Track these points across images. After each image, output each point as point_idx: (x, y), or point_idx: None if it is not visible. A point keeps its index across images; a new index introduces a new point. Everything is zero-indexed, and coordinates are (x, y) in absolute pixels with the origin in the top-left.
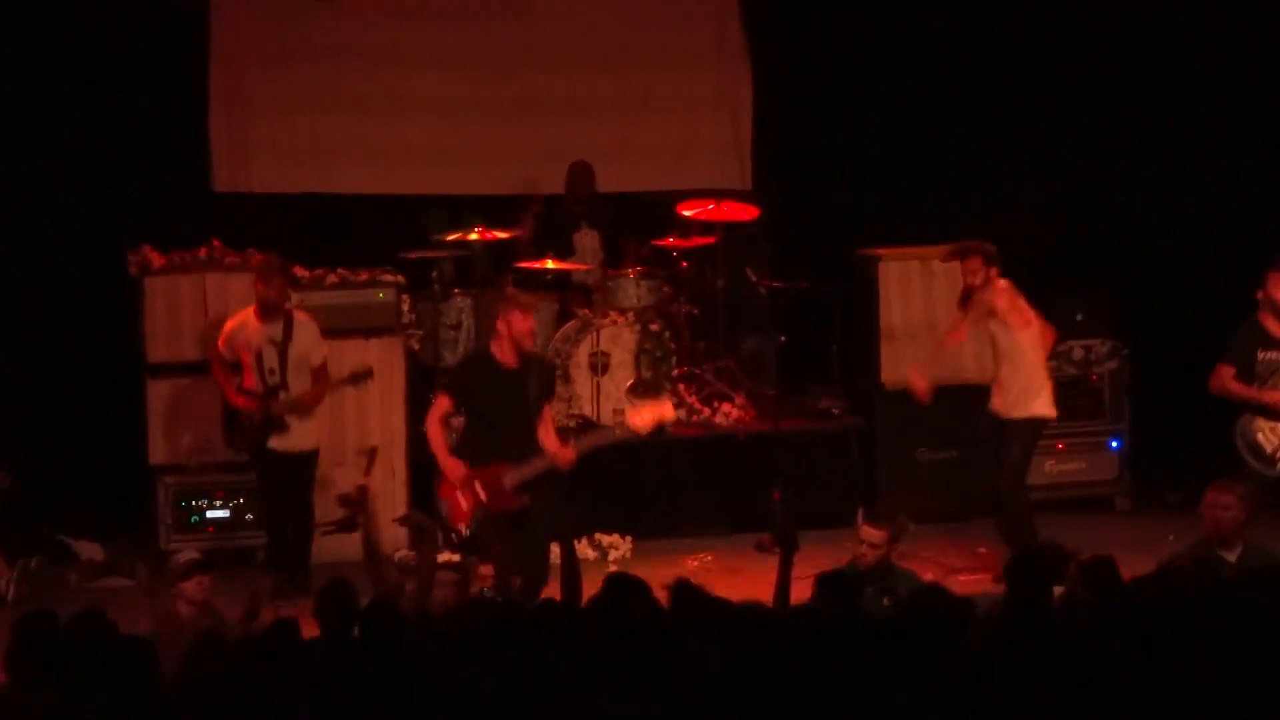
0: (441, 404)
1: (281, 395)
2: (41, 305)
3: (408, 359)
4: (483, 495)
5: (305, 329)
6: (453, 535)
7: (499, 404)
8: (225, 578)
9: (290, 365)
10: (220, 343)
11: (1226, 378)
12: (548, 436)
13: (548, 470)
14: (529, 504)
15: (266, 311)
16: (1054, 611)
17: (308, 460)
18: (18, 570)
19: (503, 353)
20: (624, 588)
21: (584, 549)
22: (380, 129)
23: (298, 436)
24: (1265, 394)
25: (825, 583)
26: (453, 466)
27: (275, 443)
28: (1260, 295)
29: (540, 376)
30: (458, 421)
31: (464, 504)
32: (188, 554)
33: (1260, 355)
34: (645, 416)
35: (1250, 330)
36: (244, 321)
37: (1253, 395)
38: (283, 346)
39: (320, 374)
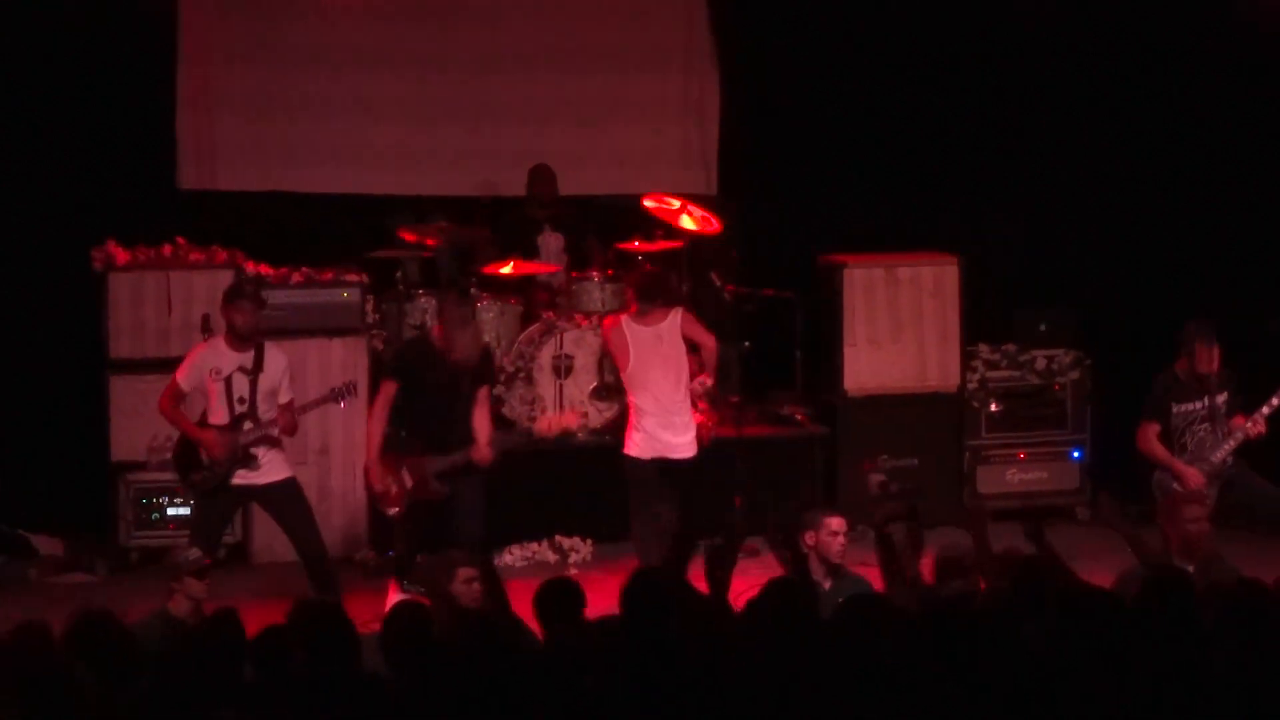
0: (387, 390)
1: (247, 426)
2: (3, 299)
3: (371, 359)
4: (408, 482)
5: (277, 361)
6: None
7: (436, 391)
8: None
9: (260, 395)
10: (180, 374)
11: (1152, 437)
12: (481, 422)
13: (468, 462)
14: (449, 493)
15: (237, 339)
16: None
17: (288, 487)
18: None
19: (443, 342)
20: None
21: (544, 551)
22: (346, 129)
23: (269, 468)
24: (1177, 465)
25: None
26: (373, 471)
27: (240, 478)
28: (1184, 356)
29: (481, 363)
30: None
31: (393, 490)
32: (196, 553)
33: (1175, 409)
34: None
35: (1166, 383)
36: (213, 347)
37: (1168, 463)
38: (254, 375)
39: (286, 409)
